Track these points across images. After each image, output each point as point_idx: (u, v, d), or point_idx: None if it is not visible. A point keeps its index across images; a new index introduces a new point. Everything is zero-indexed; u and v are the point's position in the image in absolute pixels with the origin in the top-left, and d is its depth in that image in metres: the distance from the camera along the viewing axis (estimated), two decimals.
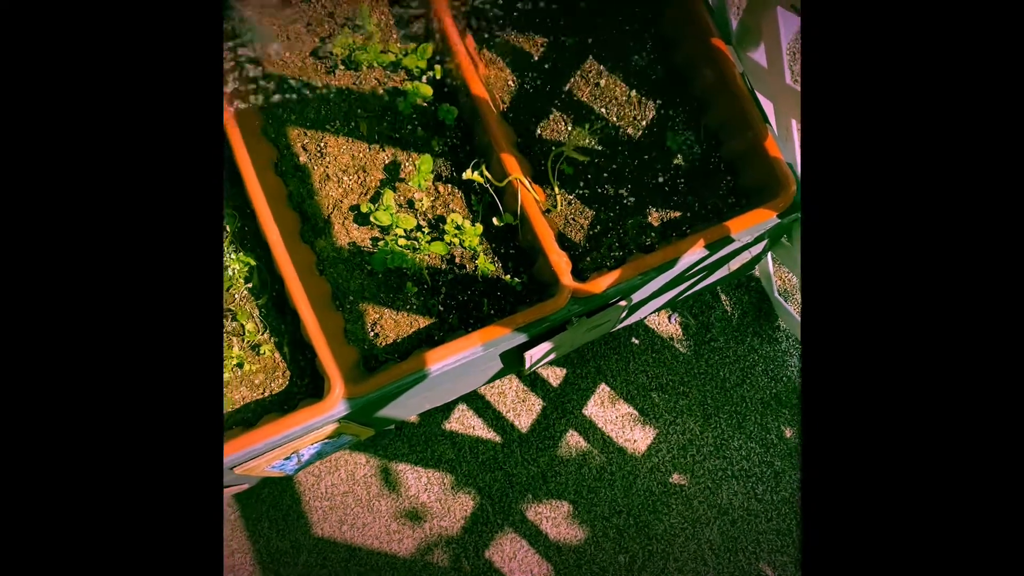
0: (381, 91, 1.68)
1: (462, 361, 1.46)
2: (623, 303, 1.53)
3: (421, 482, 2.16)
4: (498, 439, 2.17)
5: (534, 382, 2.20)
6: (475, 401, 2.19)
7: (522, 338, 1.49)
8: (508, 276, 1.57)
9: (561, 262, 1.45)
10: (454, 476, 2.16)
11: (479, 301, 1.58)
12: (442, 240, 1.57)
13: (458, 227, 1.55)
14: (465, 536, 2.13)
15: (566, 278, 1.43)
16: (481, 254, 1.58)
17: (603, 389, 2.20)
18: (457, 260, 1.60)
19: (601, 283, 1.44)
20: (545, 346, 1.55)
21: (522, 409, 2.19)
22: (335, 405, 1.40)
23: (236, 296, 1.59)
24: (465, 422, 2.18)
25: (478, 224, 1.58)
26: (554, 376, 2.20)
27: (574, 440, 2.18)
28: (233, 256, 1.56)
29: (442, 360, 1.43)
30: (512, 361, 1.77)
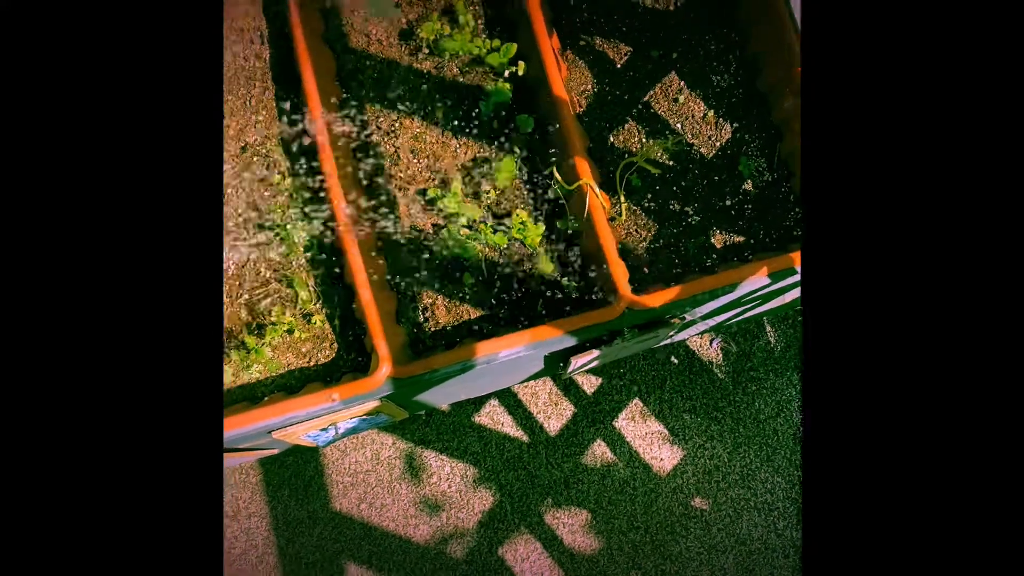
0: (462, 80, 1.69)
1: (509, 357, 1.46)
2: (676, 321, 1.53)
3: (444, 471, 2.17)
4: (525, 439, 2.18)
5: (568, 387, 2.20)
6: (507, 398, 2.19)
7: (571, 342, 1.49)
8: (564, 279, 1.57)
9: (621, 272, 1.45)
10: (478, 469, 2.16)
11: (533, 300, 1.58)
12: (505, 234, 1.58)
13: (522, 224, 1.55)
14: (481, 531, 2.14)
15: (624, 289, 1.43)
16: (542, 254, 1.58)
17: (636, 404, 2.19)
18: (515, 257, 1.60)
19: (658, 298, 1.44)
20: (593, 354, 1.55)
21: (553, 412, 2.19)
22: (381, 383, 1.41)
23: (294, 263, 1.60)
24: (495, 417, 2.19)
25: (541, 223, 1.58)
26: (588, 384, 2.20)
27: (600, 450, 2.17)
28: (296, 225, 1.58)
29: (491, 353, 1.43)
30: (554, 364, 1.77)
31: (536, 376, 2.11)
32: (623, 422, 2.19)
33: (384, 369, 1.41)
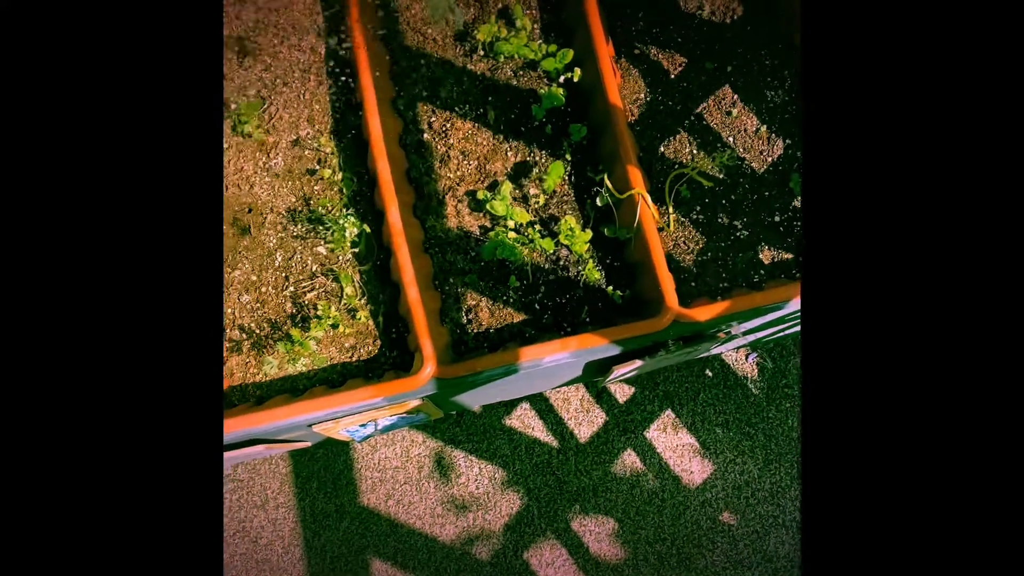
0: (515, 84, 1.69)
1: (553, 363, 1.46)
2: (722, 335, 1.52)
3: (472, 472, 2.17)
4: (555, 444, 2.17)
5: (600, 395, 2.19)
6: (539, 402, 2.19)
7: (616, 351, 1.48)
8: (610, 288, 1.57)
9: (669, 284, 1.45)
10: (506, 472, 2.16)
11: (577, 307, 1.58)
12: (552, 240, 1.57)
13: (570, 230, 1.55)
14: (507, 534, 2.14)
15: (672, 301, 1.43)
16: (589, 261, 1.58)
17: (668, 415, 2.18)
18: (561, 262, 1.60)
19: (706, 312, 1.43)
20: (635, 364, 1.55)
21: (584, 419, 2.19)
22: (425, 382, 1.41)
23: (340, 258, 1.61)
24: (526, 421, 2.18)
25: (588, 230, 1.58)
26: (621, 393, 2.20)
27: (631, 460, 2.17)
28: (345, 219, 1.58)
29: (535, 358, 1.43)
30: (593, 371, 1.77)
31: (571, 382, 2.11)
32: (654, 433, 2.18)
33: (428, 368, 1.41)
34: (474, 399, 1.89)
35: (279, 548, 2.14)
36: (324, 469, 2.18)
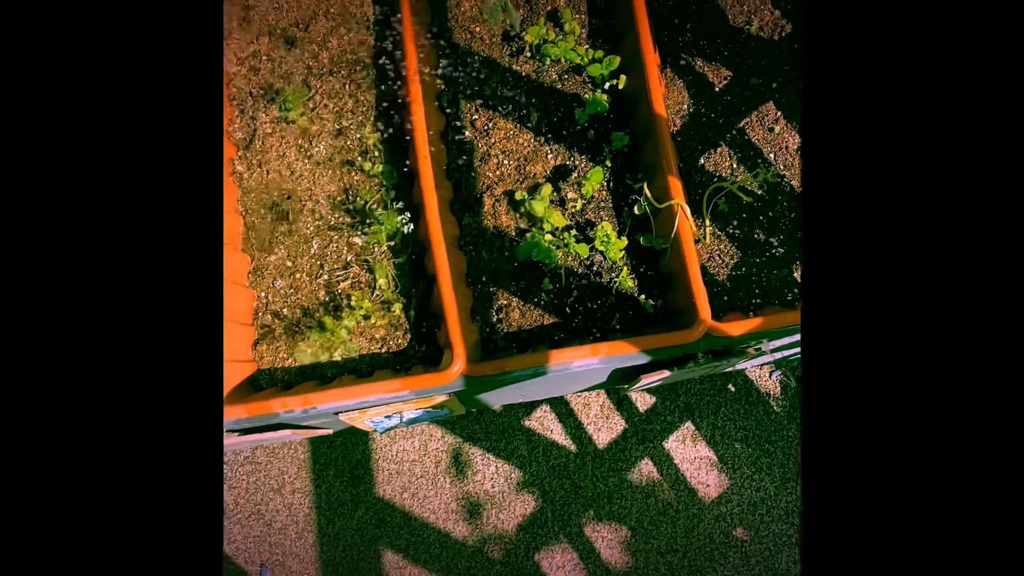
0: (559, 87, 1.69)
1: (581, 368, 1.46)
2: (752, 351, 1.52)
3: (489, 470, 2.17)
4: (573, 448, 2.18)
5: (621, 402, 2.19)
6: (559, 406, 2.20)
7: (644, 360, 1.48)
8: (642, 296, 1.57)
9: (703, 296, 1.44)
10: (522, 473, 2.17)
11: (608, 313, 1.58)
12: (588, 245, 1.58)
13: (606, 236, 1.55)
14: (520, 534, 2.14)
15: (705, 313, 1.43)
16: (623, 268, 1.58)
17: (688, 427, 2.18)
18: (595, 268, 1.60)
19: (739, 327, 1.43)
20: (663, 374, 1.55)
21: (603, 425, 2.19)
22: (454, 378, 1.41)
23: (376, 249, 1.62)
24: (545, 423, 2.19)
25: (624, 238, 1.58)
26: (642, 401, 2.20)
27: (647, 469, 2.17)
28: (383, 212, 1.59)
29: (564, 362, 1.43)
30: (618, 378, 1.77)
31: (594, 388, 2.11)
32: (673, 444, 2.18)
33: (458, 365, 1.42)
34: (496, 398, 1.89)
35: (293, 533, 2.16)
36: (342, 457, 2.19)
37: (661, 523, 2.14)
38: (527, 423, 2.19)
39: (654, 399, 2.20)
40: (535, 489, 2.16)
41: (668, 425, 2.19)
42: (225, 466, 2.19)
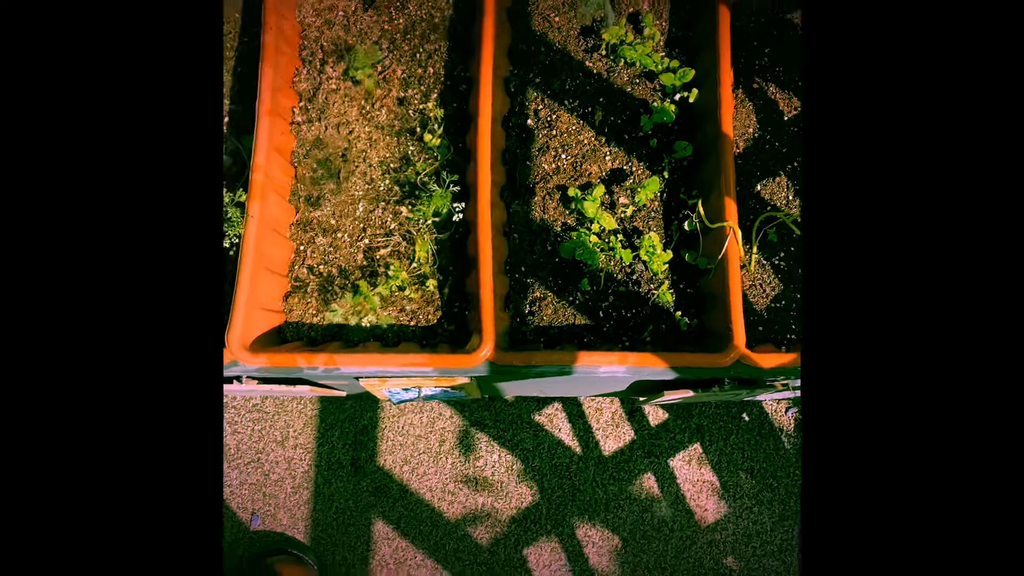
0: (629, 90, 1.68)
1: (605, 373, 1.45)
2: (779, 385, 1.50)
3: (492, 457, 2.17)
4: (578, 450, 2.17)
5: (633, 412, 2.18)
6: (571, 406, 2.19)
7: (670, 376, 1.47)
8: (678, 313, 1.56)
9: (741, 323, 1.43)
10: (524, 466, 2.16)
11: (641, 324, 1.57)
12: (633, 252, 1.57)
13: (652, 247, 1.54)
14: (512, 526, 2.14)
15: (740, 340, 1.41)
16: (664, 281, 1.57)
17: (696, 448, 2.17)
18: (635, 276, 1.59)
19: (772, 360, 1.42)
20: (686, 393, 1.54)
21: (612, 433, 2.18)
22: (480, 362, 1.41)
23: (420, 222, 1.61)
24: (554, 421, 2.18)
25: (669, 251, 1.57)
26: (655, 416, 2.18)
27: (648, 483, 2.16)
28: (435, 188, 1.59)
29: (592, 365, 1.42)
30: (636, 390, 1.76)
31: (611, 395, 2.10)
32: (678, 463, 2.17)
33: (486, 350, 1.41)
34: (513, 388, 1.89)
35: (288, 487, 2.17)
36: (349, 421, 2.19)
37: (654, 539, 2.13)
38: (537, 418, 2.18)
39: (666, 416, 2.19)
40: (534, 484, 2.16)
41: (676, 443, 2.18)
42: (232, 410, 2.20)
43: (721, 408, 2.19)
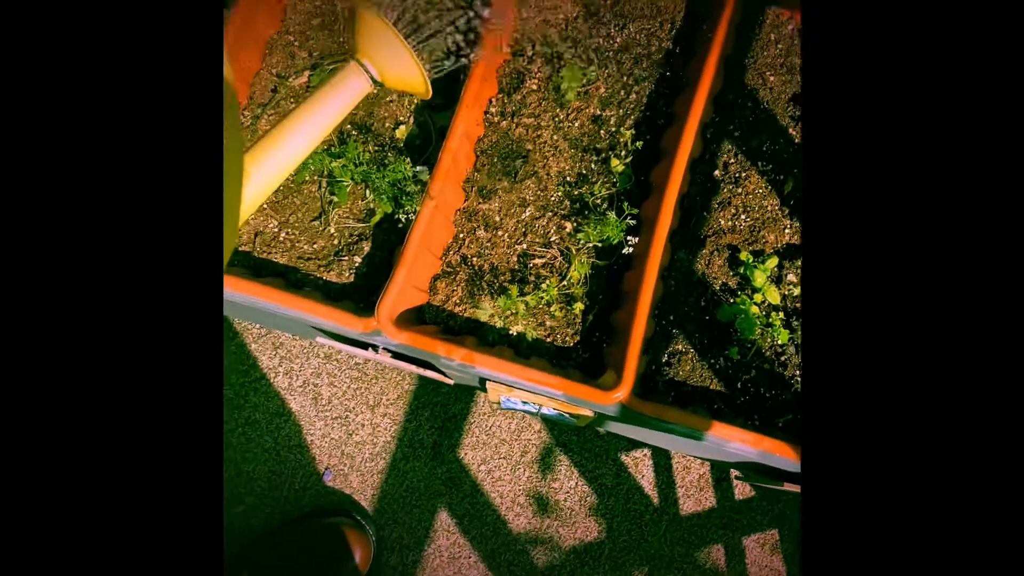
0: None
1: (734, 449, 1.41)
2: None
3: (568, 483, 2.14)
4: (656, 502, 2.13)
5: (719, 480, 2.12)
6: (660, 457, 2.14)
7: (793, 468, 1.42)
8: None
9: None
10: (598, 501, 2.13)
11: (778, 407, 1.52)
12: (791, 334, 1.51)
13: None
14: (570, 556, 2.11)
15: None
16: None
17: (773, 534, 2.10)
18: (783, 358, 1.54)
19: None
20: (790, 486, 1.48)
21: (694, 495, 2.13)
22: (613, 402, 1.38)
23: (582, 242, 1.59)
24: (639, 467, 2.14)
25: None
26: (741, 490, 2.13)
27: (717, 555, 2.10)
28: (609, 212, 1.56)
29: (723, 438, 1.38)
30: (753, 468, 1.71)
31: (709, 459, 2.06)
32: (751, 543, 2.10)
33: (621, 393, 1.38)
34: (618, 427, 1.85)
35: (368, 452, 2.18)
36: (441, 405, 2.19)
37: None
38: (623, 458, 2.14)
39: (753, 493, 2.13)
40: (604, 522, 2.12)
41: (755, 524, 2.11)
42: (334, 363, 2.22)
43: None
